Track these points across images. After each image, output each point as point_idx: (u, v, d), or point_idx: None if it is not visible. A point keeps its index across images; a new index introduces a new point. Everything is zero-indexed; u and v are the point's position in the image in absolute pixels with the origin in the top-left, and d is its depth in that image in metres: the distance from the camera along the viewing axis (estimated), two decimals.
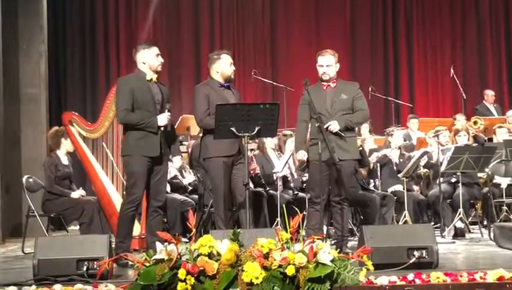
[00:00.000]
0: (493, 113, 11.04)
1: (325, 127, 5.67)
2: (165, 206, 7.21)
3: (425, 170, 8.37)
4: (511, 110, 10.47)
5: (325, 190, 5.86)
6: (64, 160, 7.04)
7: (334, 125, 5.72)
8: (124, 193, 5.68)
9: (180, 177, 7.80)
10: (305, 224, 5.80)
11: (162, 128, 5.52)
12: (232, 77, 5.93)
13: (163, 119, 5.51)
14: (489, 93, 11.41)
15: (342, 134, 5.77)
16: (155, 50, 5.66)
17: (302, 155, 5.91)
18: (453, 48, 13.16)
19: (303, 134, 5.98)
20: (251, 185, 6.82)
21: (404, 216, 7.59)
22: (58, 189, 6.86)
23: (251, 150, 7.67)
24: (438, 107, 13.05)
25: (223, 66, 5.87)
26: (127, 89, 5.52)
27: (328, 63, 5.92)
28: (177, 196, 7.49)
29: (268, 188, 7.48)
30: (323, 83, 5.94)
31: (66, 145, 7.03)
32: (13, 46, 9.02)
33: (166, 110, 5.60)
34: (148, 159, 5.51)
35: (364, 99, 6.03)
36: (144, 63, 5.63)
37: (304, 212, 5.99)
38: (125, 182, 6.64)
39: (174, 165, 5.88)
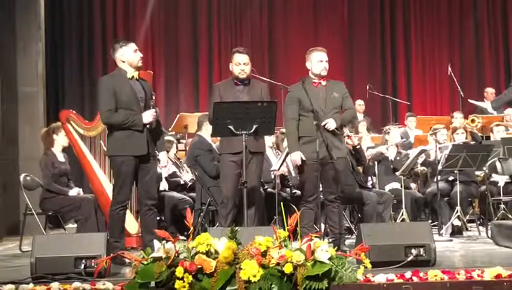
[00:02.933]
0: (492, 112, 11.03)
1: (322, 124, 5.67)
2: (163, 204, 7.23)
3: (423, 168, 8.37)
4: (509, 108, 10.48)
5: (319, 188, 5.85)
6: (60, 157, 7.01)
7: (331, 123, 5.72)
8: (112, 193, 5.63)
9: (178, 174, 7.79)
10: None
11: (147, 126, 5.48)
12: (241, 76, 5.86)
13: (148, 116, 5.46)
14: (489, 91, 11.42)
15: (338, 132, 5.79)
16: (133, 46, 5.59)
17: (299, 156, 5.79)
18: (451, 46, 13.19)
19: (295, 133, 5.89)
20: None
21: (402, 214, 7.59)
22: (57, 187, 6.84)
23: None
24: (435, 105, 13.08)
25: (232, 66, 5.91)
26: (109, 90, 5.45)
27: (327, 59, 5.95)
28: (174, 194, 7.47)
29: (266, 187, 7.47)
30: (314, 81, 5.94)
31: (59, 140, 6.97)
32: (11, 44, 9.01)
33: (151, 107, 5.57)
34: (135, 158, 5.46)
35: (351, 98, 6.09)
36: (124, 61, 5.57)
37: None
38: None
39: (161, 161, 5.83)
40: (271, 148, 7.89)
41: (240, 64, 5.86)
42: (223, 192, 5.86)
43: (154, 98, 5.73)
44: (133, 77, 5.55)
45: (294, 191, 7.59)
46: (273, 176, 7.41)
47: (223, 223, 5.71)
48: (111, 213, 5.55)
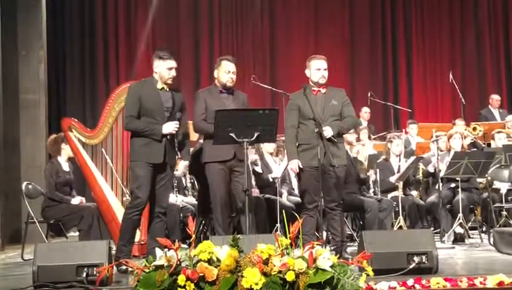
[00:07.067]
0: (497, 118, 11.02)
1: (317, 132, 5.66)
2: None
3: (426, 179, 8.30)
4: (510, 115, 10.47)
5: (319, 196, 5.84)
6: (65, 166, 7.04)
7: (327, 131, 5.71)
8: (129, 197, 5.71)
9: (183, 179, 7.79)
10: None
11: (168, 137, 5.53)
12: (228, 84, 5.90)
13: (168, 127, 5.52)
14: (495, 98, 11.41)
15: (335, 140, 5.78)
16: (169, 63, 5.61)
17: (296, 164, 5.81)
18: (452, 53, 13.20)
19: (294, 141, 5.90)
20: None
21: (399, 221, 7.55)
22: (59, 196, 6.87)
23: None
24: (437, 112, 13.07)
25: (220, 73, 5.92)
26: (135, 96, 5.56)
27: (325, 67, 5.95)
28: (177, 201, 7.46)
29: (263, 194, 7.42)
30: (313, 88, 5.94)
31: (67, 150, 7.03)
32: (13, 52, 9.03)
33: (177, 118, 5.62)
34: (152, 166, 5.53)
35: (352, 106, 6.06)
36: (156, 73, 5.65)
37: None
38: (124, 188, 6.68)
39: (179, 170, 5.89)
40: (271, 154, 7.88)
41: (230, 72, 5.89)
42: (216, 200, 5.83)
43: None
44: (163, 88, 5.62)
45: (297, 198, 7.58)
46: (273, 182, 7.39)
47: (220, 231, 5.70)
48: (125, 217, 5.63)
